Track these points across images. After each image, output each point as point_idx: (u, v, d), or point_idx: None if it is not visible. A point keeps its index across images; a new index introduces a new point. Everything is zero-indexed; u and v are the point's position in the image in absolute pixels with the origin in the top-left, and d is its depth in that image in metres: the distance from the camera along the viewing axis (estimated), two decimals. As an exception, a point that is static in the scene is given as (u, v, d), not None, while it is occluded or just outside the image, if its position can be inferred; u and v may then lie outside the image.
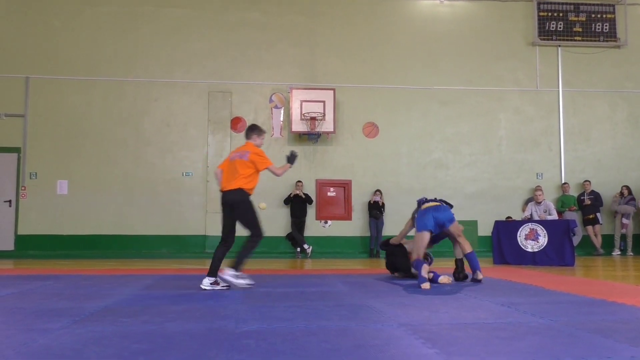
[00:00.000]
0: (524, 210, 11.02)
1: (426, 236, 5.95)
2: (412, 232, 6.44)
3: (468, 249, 6.15)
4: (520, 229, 9.21)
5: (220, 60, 12.12)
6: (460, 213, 12.18)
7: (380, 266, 9.18)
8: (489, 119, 12.61)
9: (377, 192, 11.80)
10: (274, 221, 11.65)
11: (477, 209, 12.23)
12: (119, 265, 8.88)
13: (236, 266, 5.33)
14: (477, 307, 4.27)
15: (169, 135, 11.91)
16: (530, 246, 9.07)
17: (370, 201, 11.78)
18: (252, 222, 5.36)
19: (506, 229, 9.40)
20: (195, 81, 11.99)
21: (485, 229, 11.71)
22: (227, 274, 5.28)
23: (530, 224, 9.20)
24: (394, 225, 12.03)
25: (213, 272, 5.39)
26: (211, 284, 5.34)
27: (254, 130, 5.73)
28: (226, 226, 5.44)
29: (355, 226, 12.00)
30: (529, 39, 12.79)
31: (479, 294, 4.96)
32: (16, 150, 11.47)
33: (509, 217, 11.36)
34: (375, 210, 11.66)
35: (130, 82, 11.87)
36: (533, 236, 9.08)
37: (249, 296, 4.87)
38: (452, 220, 6.14)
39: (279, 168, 5.59)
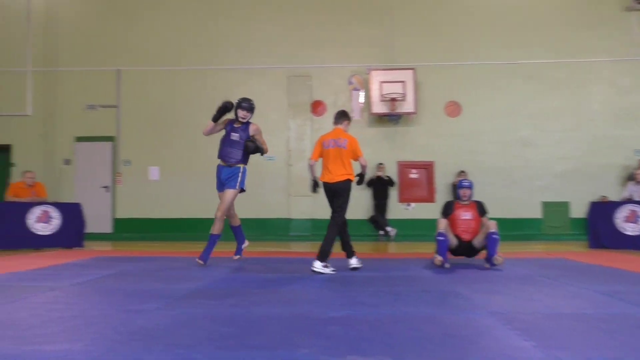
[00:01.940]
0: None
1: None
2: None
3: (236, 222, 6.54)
4: (619, 210, 8.60)
5: (297, 44, 12.13)
6: (550, 194, 11.66)
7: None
8: (579, 92, 11.81)
9: (461, 173, 11.44)
10: (356, 204, 11.55)
11: (569, 189, 11.57)
12: (207, 247, 9.19)
13: (324, 257, 5.38)
14: (574, 295, 4.03)
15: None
16: (630, 229, 8.46)
17: (454, 182, 11.46)
18: (344, 207, 5.61)
19: (603, 210, 8.81)
20: (273, 66, 12.10)
21: (578, 211, 11.07)
22: (316, 266, 5.33)
23: (630, 205, 8.57)
24: (478, 207, 11.65)
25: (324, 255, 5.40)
26: (323, 266, 5.39)
27: (345, 116, 5.90)
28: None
29: (439, 208, 11.71)
30: (623, 3, 11.81)
31: (575, 281, 4.69)
32: (111, 139, 12.12)
33: (603, 197, 10.67)
34: (459, 191, 11.32)
35: (211, 70, 12.16)
36: (633, 218, 8.46)
37: (333, 281, 4.88)
38: None
39: (365, 160, 5.79)
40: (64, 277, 5.04)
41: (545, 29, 11.87)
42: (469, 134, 11.77)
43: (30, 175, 8.85)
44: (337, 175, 5.55)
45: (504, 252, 6.12)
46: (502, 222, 12.10)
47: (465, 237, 6.17)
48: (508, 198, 11.59)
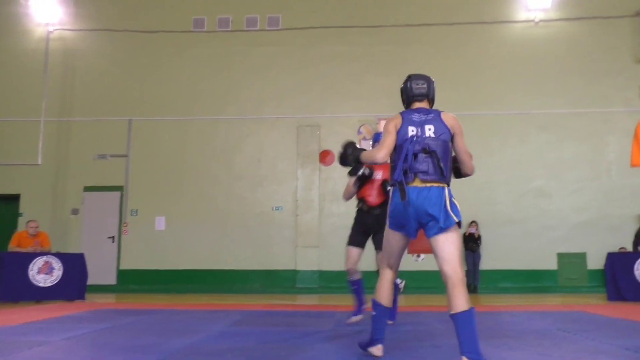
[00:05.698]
0: (635, 245, 9.91)
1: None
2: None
3: None
4: (638, 262, 8.26)
5: (308, 95, 12.17)
6: (565, 245, 11.30)
7: (481, 302, 8.58)
8: (596, 142, 11.63)
9: (473, 224, 11.17)
10: (363, 255, 11.32)
11: (586, 240, 11.20)
12: (211, 300, 8.94)
13: None
14: (595, 350, 3.72)
15: (260, 169, 12.05)
16: (651, 281, 8.09)
17: (465, 233, 11.17)
18: None
19: (621, 261, 8.48)
20: (284, 116, 12.11)
21: (595, 262, 10.71)
22: None
23: (650, 256, 8.23)
24: (491, 258, 11.30)
25: None
26: None
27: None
28: None
29: (450, 260, 11.39)
30: (637, 55, 11.79)
31: (596, 335, 4.38)
32: (119, 188, 12.05)
33: (622, 248, 10.34)
34: (472, 242, 11.03)
35: (222, 120, 12.20)
36: (654, 270, 8.09)
37: (339, 336, 4.60)
38: None
39: None
40: (57, 331, 4.81)
41: (559, 78, 11.82)
42: (482, 184, 11.50)
43: (33, 225, 8.73)
44: None
45: (519, 304, 5.81)
46: (516, 274, 11.80)
47: None
48: (523, 249, 11.27)
